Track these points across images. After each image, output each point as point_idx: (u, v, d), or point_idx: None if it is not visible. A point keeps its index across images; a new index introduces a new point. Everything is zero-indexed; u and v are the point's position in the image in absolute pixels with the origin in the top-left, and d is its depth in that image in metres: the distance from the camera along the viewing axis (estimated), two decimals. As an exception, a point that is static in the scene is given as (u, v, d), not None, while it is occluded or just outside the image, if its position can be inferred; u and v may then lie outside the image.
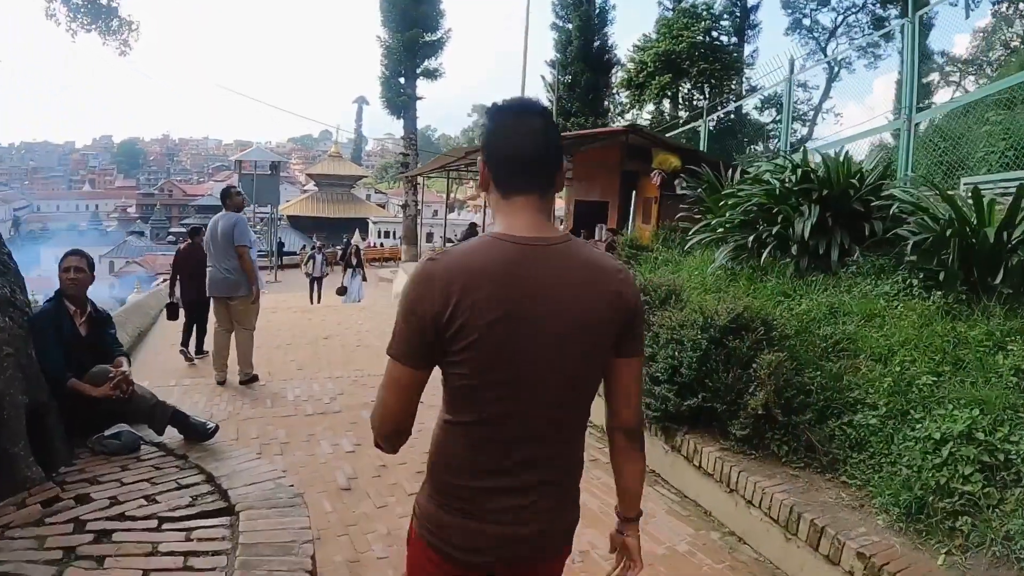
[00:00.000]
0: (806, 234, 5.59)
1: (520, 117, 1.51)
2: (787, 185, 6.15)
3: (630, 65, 26.67)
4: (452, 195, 31.24)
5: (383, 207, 57.55)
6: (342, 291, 17.09)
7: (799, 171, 6.07)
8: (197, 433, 3.68)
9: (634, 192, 12.52)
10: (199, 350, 8.49)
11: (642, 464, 1.72)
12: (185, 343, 8.41)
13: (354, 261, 17.68)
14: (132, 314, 10.12)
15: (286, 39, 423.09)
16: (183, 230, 44.86)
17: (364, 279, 17.90)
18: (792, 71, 14.26)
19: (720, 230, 6.38)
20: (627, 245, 8.06)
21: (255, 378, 6.70)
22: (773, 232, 5.80)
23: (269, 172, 33.31)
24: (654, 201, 11.30)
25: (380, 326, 10.70)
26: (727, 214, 6.34)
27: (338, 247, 28.38)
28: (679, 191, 10.37)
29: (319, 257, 19.17)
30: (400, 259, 28.65)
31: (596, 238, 13.17)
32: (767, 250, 5.79)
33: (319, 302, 17.74)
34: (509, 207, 1.51)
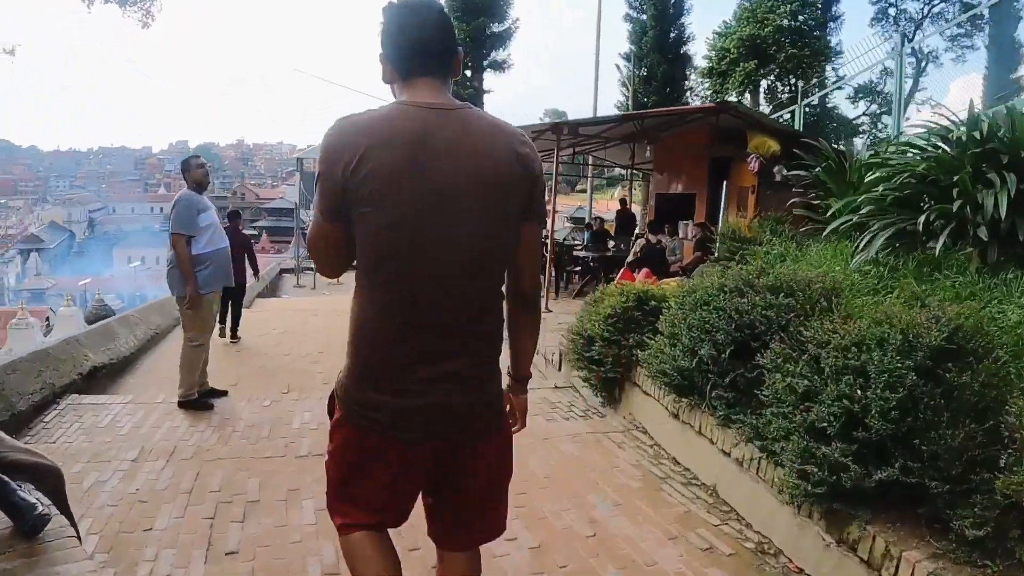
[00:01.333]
0: (1002, 211, 3.89)
1: (412, 11, 1.55)
2: (953, 152, 4.46)
3: (711, 53, 24.79)
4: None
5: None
6: None
7: (983, 125, 4.33)
8: (21, 520, 2.23)
9: (725, 182, 10.82)
10: (233, 334, 8.50)
11: (534, 327, 1.79)
12: (222, 320, 8.28)
13: None
14: (150, 312, 8.96)
15: (347, 39, 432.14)
16: (253, 232, 45.44)
17: None
18: (903, 43, 12.50)
19: (866, 210, 4.65)
20: (728, 237, 6.38)
21: (204, 404, 5.14)
22: (954, 209, 4.08)
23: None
24: (751, 191, 9.57)
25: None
26: (880, 187, 4.60)
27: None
28: (778, 178, 8.82)
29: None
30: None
31: (680, 236, 11.50)
32: (942, 236, 4.07)
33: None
34: (411, 87, 1.56)
